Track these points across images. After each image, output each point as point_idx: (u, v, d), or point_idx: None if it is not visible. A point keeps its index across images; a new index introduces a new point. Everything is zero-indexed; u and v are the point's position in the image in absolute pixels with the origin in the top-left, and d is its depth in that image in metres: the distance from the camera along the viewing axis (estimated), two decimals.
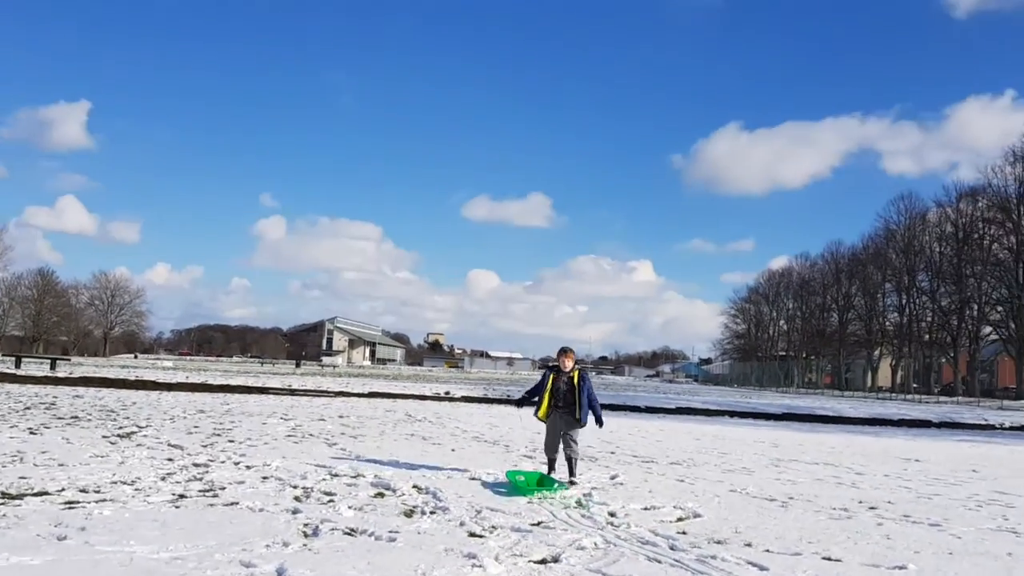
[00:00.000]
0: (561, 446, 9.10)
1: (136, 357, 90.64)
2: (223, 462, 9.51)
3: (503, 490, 8.39)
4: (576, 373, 9.12)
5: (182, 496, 7.17)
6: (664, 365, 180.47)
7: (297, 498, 7.38)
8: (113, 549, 5.17)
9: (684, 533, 6.52)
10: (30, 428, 12.22)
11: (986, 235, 65.42)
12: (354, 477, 8.81)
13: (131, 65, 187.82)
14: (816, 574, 5.31)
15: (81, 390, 23.63)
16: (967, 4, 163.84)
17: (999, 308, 63.13)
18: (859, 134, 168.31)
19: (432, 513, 6.91)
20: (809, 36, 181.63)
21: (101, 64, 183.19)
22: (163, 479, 8.05)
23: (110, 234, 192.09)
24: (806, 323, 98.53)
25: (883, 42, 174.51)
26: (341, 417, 17.67)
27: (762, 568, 5.40)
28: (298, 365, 77.87)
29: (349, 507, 7.00)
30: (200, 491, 7.48)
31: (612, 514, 7.26)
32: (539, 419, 9.26)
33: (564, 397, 9.05)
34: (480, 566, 5.13)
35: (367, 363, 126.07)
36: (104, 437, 11.56)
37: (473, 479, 9.12)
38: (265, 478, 8.45)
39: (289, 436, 13.01)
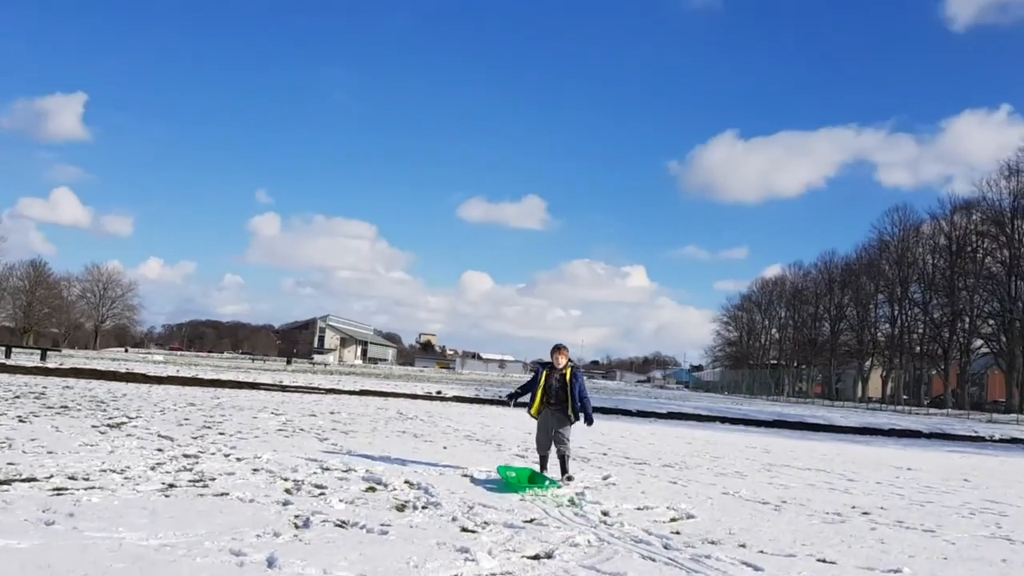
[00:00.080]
0: (553, 443, 9.07)
1: (127, 351, 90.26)
2: (213, 454, 9.44)
3: (495, 487, 8.34)
4: (569, 370, 9.10)
5: (172, 486, 7.10)
6: (655, 371, 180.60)
7: (288, 490, 7.31)
8: (102, 535, 5.10)
9: (678, 533, 6.48)
10: (19, 416, 12.13)
11: (979, 248, 65.61)
12: (345, 471, 8.75)
13: (128, 58, 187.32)
14: (811, 575, 5.27)
15: (71, 381, 23.50)
16: (965, 18, 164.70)
17: (991, 321, 63.33)
18: (854, 145, 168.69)
19: (424, 508, 6.86)
20: (807, 45, 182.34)
21: (98, 56, 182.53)
22: (152, 469, 7.98)
23: (104, 227, 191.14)
24: (798, 332, 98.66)
25: (881, 54, 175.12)
26: (332, 413, 17.60)
27: (757, 568, 5.36)
28: (289, 362, 77.63)
29: (340, 500, 6.94)
30: (190, 481, 7.41)
31: (605, 513, 7.21)
32: (531, 416, 9.23)
33: (556, 394, 9.03)
34: (473, 560, 5.08)
35: (358, 362, 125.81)
36: (94, 427, 11.47)
37: (465, 476, 9.07)
38: (256, 470, 8.38)
39: (280, 430, 12.94)
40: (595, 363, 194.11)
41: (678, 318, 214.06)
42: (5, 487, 6.50)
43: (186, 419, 13.67)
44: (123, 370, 27.83)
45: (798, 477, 11.44)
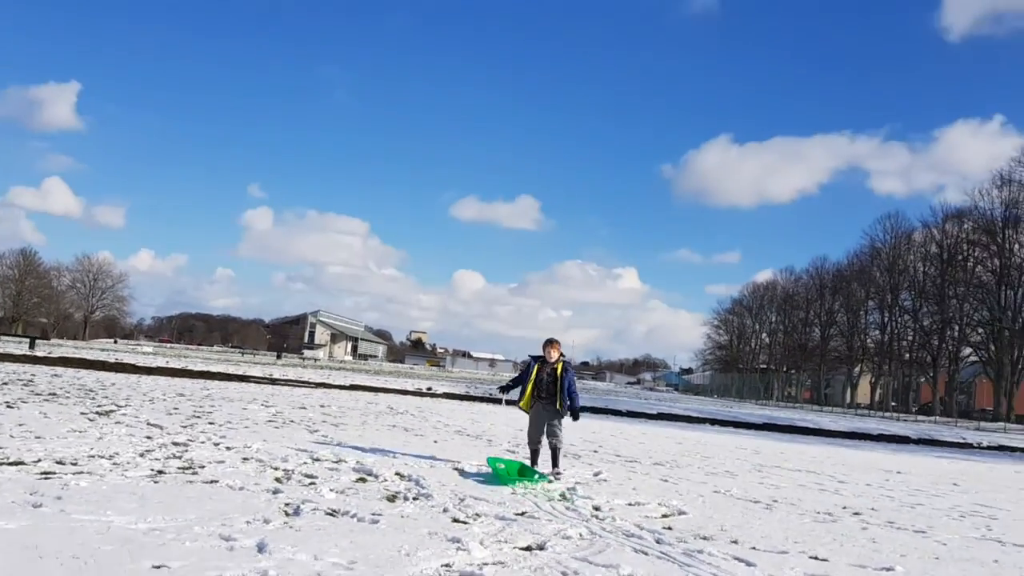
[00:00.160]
0: (545, 436, 9.06)
1: (116, 342, 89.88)
2: (203, 442, 9.37)
3: (486, 480, 8.31)
4: (560, 365, 9.09)
5: (161, 472, 7.04)
6: (645, 373, 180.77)
7: (278, 479, 7.26)
8: (90, 518, 5.05)
9: (670, 529, 6.45)
10: (7, 402, 12.03)
11: (970, 257, 65.83)
12: (336, 462, 8.69)
13: (123, 49, 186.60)
14: (804, 572, 5.25)
15: (60, 370, 23.38)
16: (961, 28, 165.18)
17: (980, 330, 63.56)
18: (848, 152, 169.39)
19: (415, 499, 6.81)
20: (803, 52, 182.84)
21: (92, 46, 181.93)
22: (142, 455, 7.91)
23: (95, 218, 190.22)
24: (788, 337, 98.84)
25: (876, 62, 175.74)
26: (322, 407, 17.53)
27: (749, 564, 5.33)
28: (279, 357, 77.45)
29: (331, 490, 6.89)
30: (179, 468, 7.35)
31: (596, 508, 7.18)
32: (521, 408, 9.22)
33: (547, 388, 9.02)
34: (465, 549, 5.04)
35: (348, 358, 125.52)
36: (82, 414, 11.39)
37: (456, 469, 9.02)
38: (245, 459, 8.32)
39: (270, 422, 12.87)
40: (585, 364, 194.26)
41: (669, 321, 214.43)
42: None
43: (175, 408, 13.60)
44: (112, 360, 27.69)
45: (788, 478, 11.44)
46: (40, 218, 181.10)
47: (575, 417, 9.11)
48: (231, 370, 28.75)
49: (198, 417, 12.43)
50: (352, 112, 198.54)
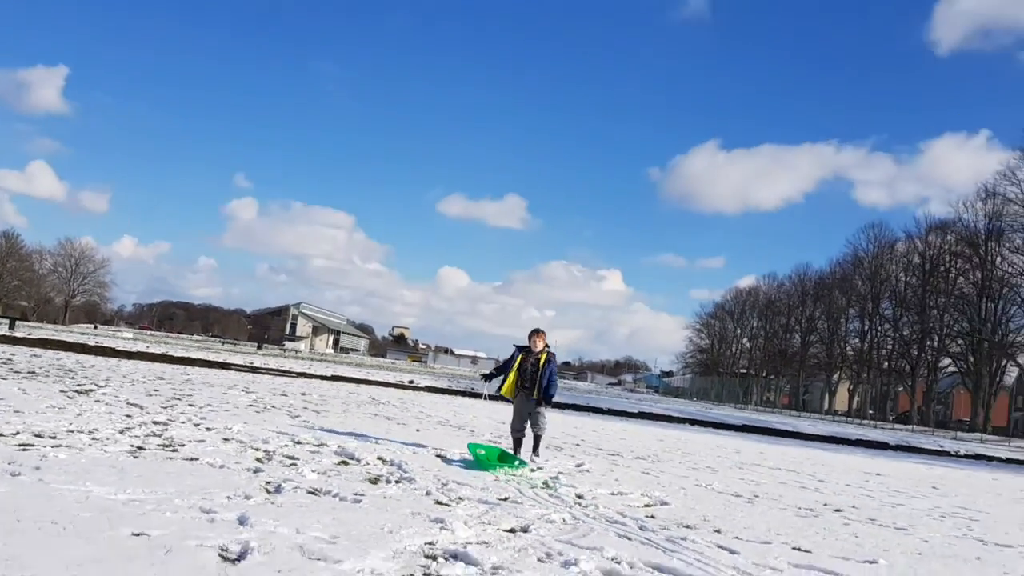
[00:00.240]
0: (529, 425, 9.07)
1: (96, 328, 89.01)
2: (183, 422, 9.27)
3: (469, 467, 8.27)
4: (544, 355, 9.10)
5: (140, 448, 6.96)
6: (626, 374, 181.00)
7: (259, 459, 7.19)
8: (69, 488, 4.97)
9: (652, 517, 6.44)
10: None
11: (952, 268, 66.28)
12: (317, 446, 8.62)
13: (112, 36, 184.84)
14: (788, 561, 5.24)
15: (39, 351, 23.16)
16: (950, 43, 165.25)
17: (959, 341, 63.98)
18: (834, 162, 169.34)
19: (398, 482, 6.76)
20: (794, 61, 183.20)
21: (82, 32, 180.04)
22: (121, 432, 7.81)
23: (79, 202, 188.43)
24: (768, 342, 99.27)
25: (865, 73, 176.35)
26: (304, 394, 17.43)
27: (733, 552, 5.32)
28: (260, 347, 76.97)
29: (312, 471, 6.83)
30: (159, 445, 7.26)
31: (579, 496, 7.15)
32: (502, 394, 9.24)
33: (530, 377, 9.03)
34: (448, 529, 5.00)
35: (330, 351, 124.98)
36: (62, 391, 11.27)
37: (439, 456, 8.98)
38: (226, 439, 8.24)
39: (251, 406, 12.78)
40: (567, 364, 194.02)
41: (651, 324, 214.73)
42: None
43: (156, 390, 13.48)
44: (92, 343, 27.46)
45: (769, 475, 11.46)
46: (23, 201, 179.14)
47: (547, 402, 9.10)
48: (212, 357, 28.55)
49: (178, 399, 12.32)
50: (342, 107, 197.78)
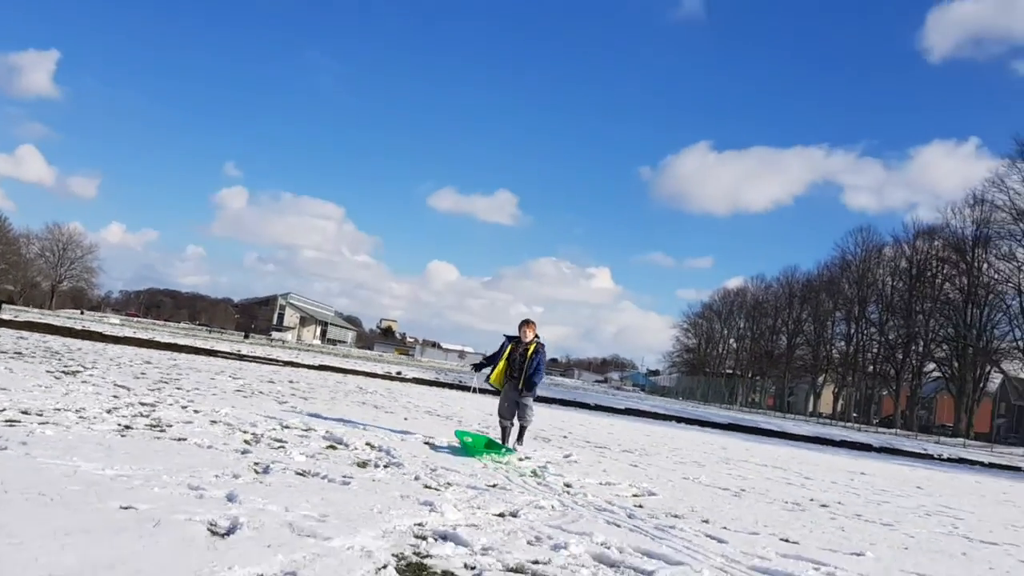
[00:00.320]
0: (516, 415, 9.07)
1: (83, 313, 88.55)
2: (171, 404, 9.22)
3: (457, 454, 8.27)
4: (533, 346, 9.08)
5: (128, 427, 6.92)
6: (613, 372, 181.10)
7: (247, 441, 7.15)
8: (56, 462, 4.93)
9: (641, 507, 6.45)
10: None
11: (939, 274, 66.57)
12: (305, 430, 8.60)
13: (105, 21, 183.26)
14: (776, 551, 5.25)
15: (26, 333, 23.02)
16: (942, 50, 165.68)
17: (944, 346, 64.31)
18: (824, 166, 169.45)
19: (386, 467, 6.75)
20: (787, 64, 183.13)
21: (75, 17, 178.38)
22: (108, 412, 7.76)
23: (67, 187, 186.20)
24: (755, 343, 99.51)
25: (857, 79, 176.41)
26: (291, 382, 17.38)
27: (721, 541, 5.33)
28: (247, 336, 76.71)
29: (301, 453, 6.81)
30: (147, 425, 7.22)
31: (568, 484, 7.16)
32: (491, 384, 9.22)
33: (519, 367, 9.02)
34: (437, 512, 4.99)
35: (317, 342, 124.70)
36: (48, 372, 11.20)
37: (427, 443, 8.97)
38: (214, 422, 8.20)
39: (238, 391, 12.72)
40: (554, 361, 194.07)
41: (639, 322, 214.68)
42: None
43: (143, 374, 13.41)
44: (79, 327, 27.30)
45: (755, 471, 11.50)
46: (10, 184, 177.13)
47: (528, 389, 9.03)
48: (199, 344, 28.44)
49: (165, 383, 12.26)
50: (334, 98, 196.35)
